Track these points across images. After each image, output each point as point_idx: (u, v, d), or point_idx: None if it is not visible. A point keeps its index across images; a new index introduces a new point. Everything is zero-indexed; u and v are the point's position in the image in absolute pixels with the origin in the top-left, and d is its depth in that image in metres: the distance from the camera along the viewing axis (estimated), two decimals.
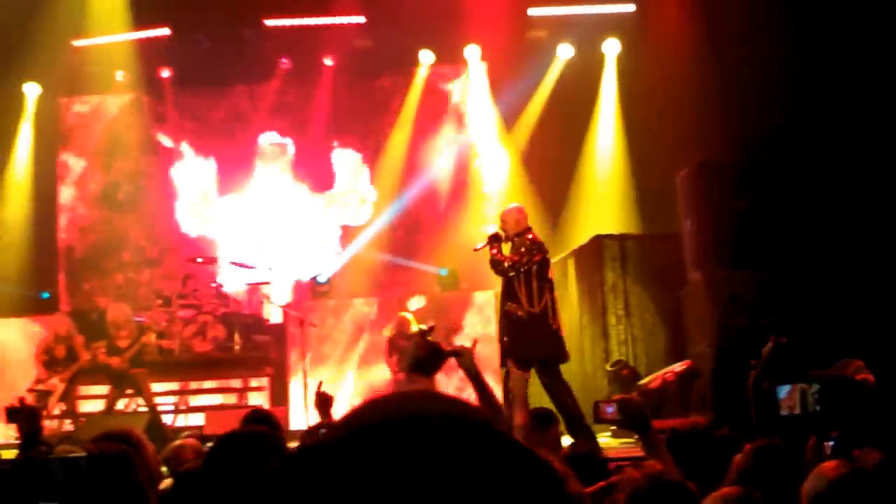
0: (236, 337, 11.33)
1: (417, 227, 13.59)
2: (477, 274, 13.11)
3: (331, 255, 13.55)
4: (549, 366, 7.55)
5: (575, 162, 12.83)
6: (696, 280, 9.68)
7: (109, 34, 13.06)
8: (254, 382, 11.35)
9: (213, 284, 11.99)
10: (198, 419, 10.62)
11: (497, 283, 12.56)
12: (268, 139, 13.93)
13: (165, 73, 13.60)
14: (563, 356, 7.72)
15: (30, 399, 9.08)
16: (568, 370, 8.09)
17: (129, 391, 10.17)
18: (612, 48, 13.05)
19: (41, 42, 12.73)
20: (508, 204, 8.54)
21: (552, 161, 12.59)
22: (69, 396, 10.26)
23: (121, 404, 10.31)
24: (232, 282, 12.27)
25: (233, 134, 13.90)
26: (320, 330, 11.01)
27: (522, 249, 7.60)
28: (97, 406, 10.70)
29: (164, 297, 11.54)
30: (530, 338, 7.50)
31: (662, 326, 10.52)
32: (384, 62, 13.54)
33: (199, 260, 12.06)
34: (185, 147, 13.96)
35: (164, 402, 10.85)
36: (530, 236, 7.70)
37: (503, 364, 7.73)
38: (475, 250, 8.06)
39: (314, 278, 12.55)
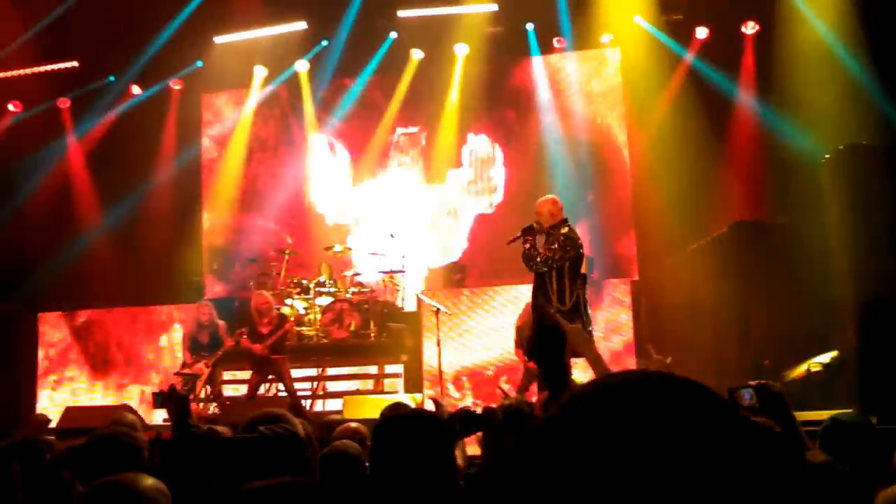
0: (372, 324, 11.49)
1: None
2: (611, 262, 12.93)
3: (464, 243, 13.57)
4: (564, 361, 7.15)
5: (714, 146, 12.41)
6: (841, 268, 9.22)
7: (249, 30, 13.42)
8: (389, 369, 11.48)
9: (350, 273, 12.19)
10: (334, 404, 10.81)
11: (633, 271, 12.47)
12: (401, 129, 14.07)
13: (302, 67, 13.89)
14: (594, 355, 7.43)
15: (178, 383, 9.49)
16: (704, 359, 7.82)
17: (270, 376, 10.43)
18: (750, 29, 12.56)
19: (184, 39, 13.20)
20: (544, 196, 7.83)
21: (689, 145, 12.21)
22: (214, 381, 10.60)
23: (262, 389, 10.60)
24: (367, 270, 12.44)
25: (367, 124, 14.07)
26: (454, 317, 11.01)
27: (556, 245, 7.19)
28: (240, 390, 11.05)
29: (302, 286, 11.79)
30: (551, 335, 7.09)
31: (805, 315, 10.07)
32: (516, 49, 13.45)
33: (336, 249, 12.28)
34: (320, 138, 14.24)
35: (303, 388, 11.09)
36: (565, 230, 7.27)
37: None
38: (508, 244, 7.62)
39: (448, 266, 12.59)
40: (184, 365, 10.71)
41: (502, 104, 13.81)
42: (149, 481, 2.02)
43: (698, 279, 10.93)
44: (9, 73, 13.49)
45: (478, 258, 13.34)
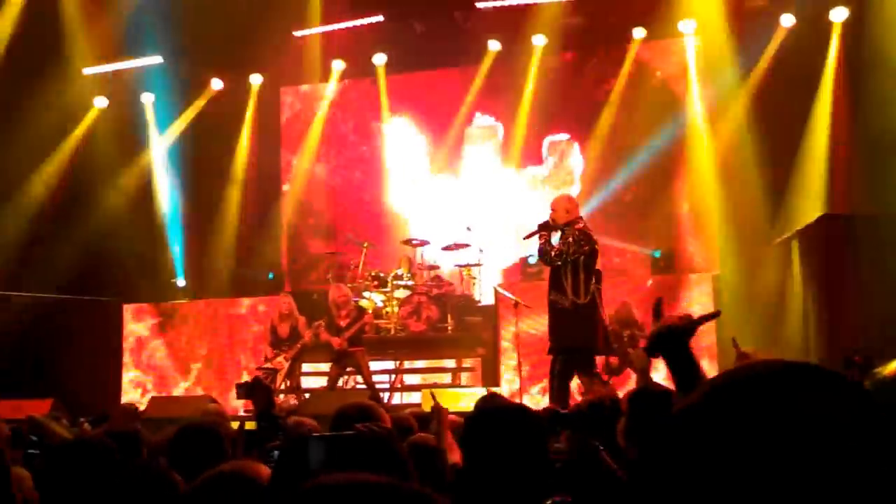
0: (449, 317, 11.42)
1: (629, 208, 13.15)
2: (691, 255, 12.63)
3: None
4: (584, 357, 7.45)
5: (799, 137, 11.99)
6: None
7: (327, 23, 13.45)
8: (466, 363, 11.40)
9: (427, 265, 12.14)
10: (411, 397, 10.77)
11: (714, 265, 12.14)
12: (478, 121, 13.96)
13: (380, 59, 13.88)
14: (605, 348, 7.67)
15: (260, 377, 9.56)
16: (790, 354, 7.50)
17: (348, 368, 10.44)
18: (838, 15, 12.10)
19: (264, 33, 13.29)
20: (560, 192, 8.17)
21: (774, 136, 11.82)
22: (294, 373, 10.67)
23: (340, 381, 10.62)
24: (445, 263, 12.38)
25: (444, 116, 14.00)
26: (532, 311, 10.84)
27: (570, 240, 7.38)
28: (319, 382, 11.09)
29: (380, 278, 11.78)
30: (571, 328, 7.39)
31: None
32: (595, 40, 13.22)
33: (413, 242, 12.25)
34: (397, 130, 14.22)
35: (381, 380, 11.08)
36: (580, 226, 7.46)
37: (549, 352, 7.61)
38: (524, 238, 7.77)
39: (525, 259, 12.43)
40: (265, 359, 10.80)
41: (580, 95, 13.57)
42: (256, 471, 1.96)
43: (784, 273, 10.60)
44: (96, 70, 13.73)
45: None
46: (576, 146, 13.62)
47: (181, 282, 13.80)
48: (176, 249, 13.86)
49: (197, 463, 2.82)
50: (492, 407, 2.71)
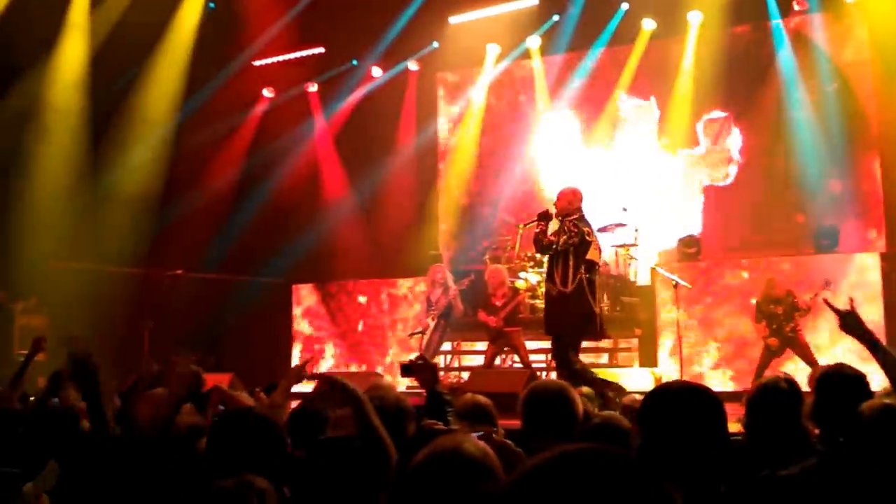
0: (605, 298, 11.22)
1: (787, 186, 12.48)
2: (858, 235, 11.92)
3: (698, 216, 12.98)
4: (572, 342, 7.71)
5: None
6: None
7: (482, 9, 13.42)
8: (623, 343, 11.19)
9: None
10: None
11: (884, 244, 11.42)
12: (632, 101, 13.62)
13: (534, 43, 13.74)
14: (597, 334, 7.98)
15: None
16: None
17: (505, 348, 10.43)
18: None
19: (421, 20, 13.39)
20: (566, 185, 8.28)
21: None
22: (431, 343, 10.74)
23: (497, 360, 10.62)
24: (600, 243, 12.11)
25: (598, 98, 13.73)
26: (690, 292, 10.51)
27: (563, 231, 7.64)
28: (477, 361, 11.14)
29: (536, 259, 11.68)
30: (557, 315, 7.69)
31: None
32: (754, 14, 12.59)
33: (610, 226, 12.02)
34: (551, 113, 14.05)
35: (538, 360, 11.01)
36: (575, 217, 7.66)
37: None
38: (524, 226, 8.01)
39: (682, 239, 12.06)
40: (420, 331, 10.97)
41: (738, 72, 12.96)
42: (476, 445, 1.92)
43: None
44: (264, 61, 14.24)
45: (713, 231, 12.71)
46: (735, 124, 13.05)
47: (345, 261, 14.12)
48: (340, 231, 14.18)
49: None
50: (672, 385, 2.66)
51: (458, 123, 14.72)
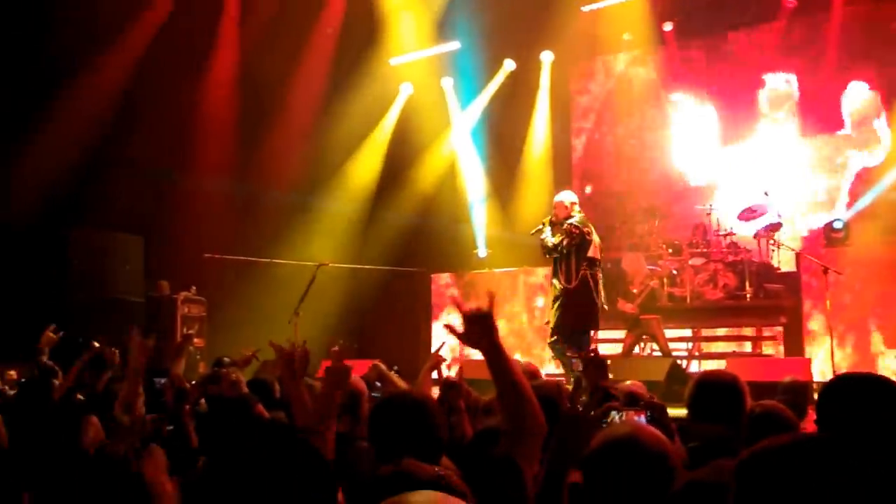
0: (747, 285, 10.81)
1: None
2: None
3: (845, 199, 12.31)
4: (580, 334, 8.25)
5: None
6: None
7: None
8: (767, 332, 10.75)
9: (723, 233, 11.55)
10: (710, 365, 10.33)
11: None
12: (772, 82, 13.03)
13: (668, 27, 13.36)
14: (595, 326, 8.42)
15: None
16: None
17: (643, 336, 10.20)
18: None
19: (553, 10, 13.21)
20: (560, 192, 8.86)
21: None
22: None
23: (636, 349, 10.41)
24: (741, 229, 11.70)
25: (736, 81, 13.21)
26: (837, 278, 9.95)
27: (564, 233, 8.22)
28: (613, 350, 10.94)
29: (674, 246, 11.38)
30: (564, 309, 8.24)
31: None
32: None
33: (707, 209, 11.69)
34: (687, 97, 13.63)
35: (677, 348, 10.73)
36: (573, 220, 8.27)
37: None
38: (530, 234, 8.59)
39: (829, 224, 11.45)
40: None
41: (886, 46, 12.18)
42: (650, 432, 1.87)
43: None
44: (401, 59, 14.39)
45: (860, 215, 12.01)
46: (882, 102, 12.28)
47: (482, 252, 14.13)
48: (477, 222, 14.20)
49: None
50: (850, 375, 2.54)
51: (591, 112, 14.46)
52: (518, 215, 13.93)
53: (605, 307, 8.54)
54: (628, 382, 4.42)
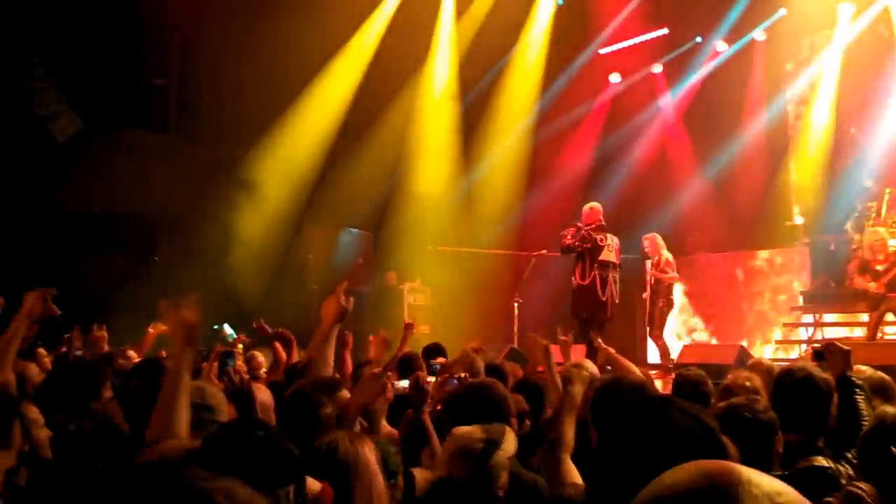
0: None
1: None
2: None
3: None
4: (591, 325, 9.20)
5: None
6: None
7: None
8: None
9: None
10: None
11: None
12: None
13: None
14: (606, 317, 9.43)
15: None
16: None
17: (887, 314, 9.44)
18: None
19: None
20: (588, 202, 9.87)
21: None
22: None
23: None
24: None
25: None
26: None
27: (580, 237, 9.35)
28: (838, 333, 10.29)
29: None
30: (577, 302, 9.51)
31: None
32: None
33: None
34: None
35: None
36: (592, 227, 9.39)
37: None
38: (561, 234, 9.58)
39: None
40: None
41: None
42: None
43: None
44: (610, 48, 14.14)
45: None
46: None
47: (698, 235, 13.64)
48: (692, 207, 13.67)
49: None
50: None
51: (810, 90, 13.60)
52: (735, 198, 13.33)
53: (617, 301, 9.54)
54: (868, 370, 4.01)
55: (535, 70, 13.74)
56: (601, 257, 9.40)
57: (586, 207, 9.70)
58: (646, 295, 10.67)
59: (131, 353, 6.20)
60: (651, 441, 1.58)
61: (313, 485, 2.13)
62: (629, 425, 1.65)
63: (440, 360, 5.68)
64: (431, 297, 13.09)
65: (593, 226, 9.42)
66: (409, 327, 6.35)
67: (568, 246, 9.44)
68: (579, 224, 9.48)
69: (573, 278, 9.53)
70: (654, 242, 10.65)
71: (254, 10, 12.04)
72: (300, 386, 3.10)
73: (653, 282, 10.53)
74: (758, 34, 13.45)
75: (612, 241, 9.53)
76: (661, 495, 1.06)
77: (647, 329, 10.69)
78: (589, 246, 9.32)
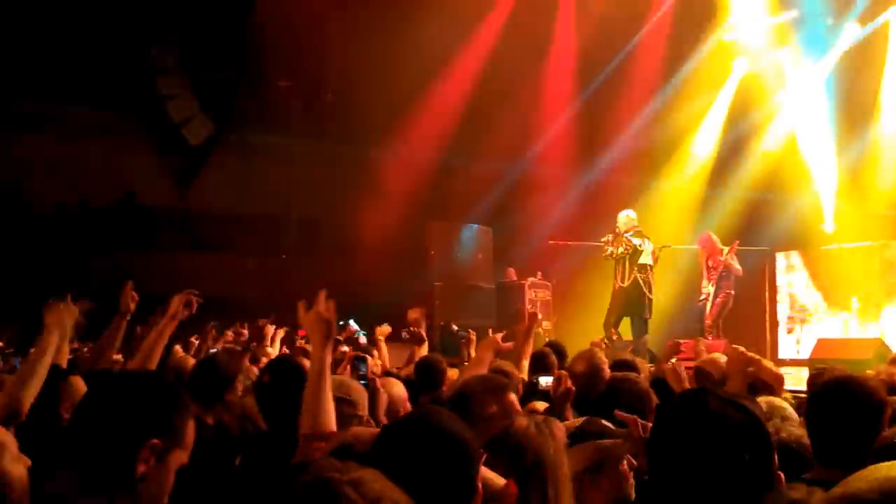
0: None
1: None
2: None
3: None
4: (635, 323, 10.12)
5: None
6: None
7: None
8: None
9: None
10: None
11: None
12: None
13: None
14: (647, 315, 10.14)
15: None
16: None
17: None
18: None
19: None
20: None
21: None
22: None
23: None
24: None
25: None
26: None
27: (621, 243, 10.08)
28: None
29: None
30: (617, 302, 10.21)
31: None
32: None
33: None
34: None
35: None
36: (629, 234, 10.09)
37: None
38: (601, 242, 10.37)
39: None
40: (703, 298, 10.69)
41: None
42: None
43: None
44: (735, 35, 13.48)
45: None
46: None
47: (828, 227, 12.91)
48: (824, 195, 12.93)
49: None
50: None
51: None
52: (871, 185, 12.52)
53: (647, 302, 10.10)
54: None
55: (657, 59, 13.27)
56: (640, 261, 10.06)
57: (623, 217, 10.27)
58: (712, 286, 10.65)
59: (269, 350, 6.22)
60: None
61: (496, 480, 1.95)
62: None
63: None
64: (552, 292, 12.85)
65: (631, 232, 10.11)
66: (533, 317, 6.12)
67: (609, 254, 10.23)
68: (618, 229, 10.16)
69: (614, 282, 10.23)
70: (711, 241, 10.86)
71: (374, 10, 12.10)
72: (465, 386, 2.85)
73: (723, 273, 10.57)
74: (891, 14, 12.55)
75: (647, 245, 10.16)
76: None
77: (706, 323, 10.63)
78: (628, 251, 10.02)
